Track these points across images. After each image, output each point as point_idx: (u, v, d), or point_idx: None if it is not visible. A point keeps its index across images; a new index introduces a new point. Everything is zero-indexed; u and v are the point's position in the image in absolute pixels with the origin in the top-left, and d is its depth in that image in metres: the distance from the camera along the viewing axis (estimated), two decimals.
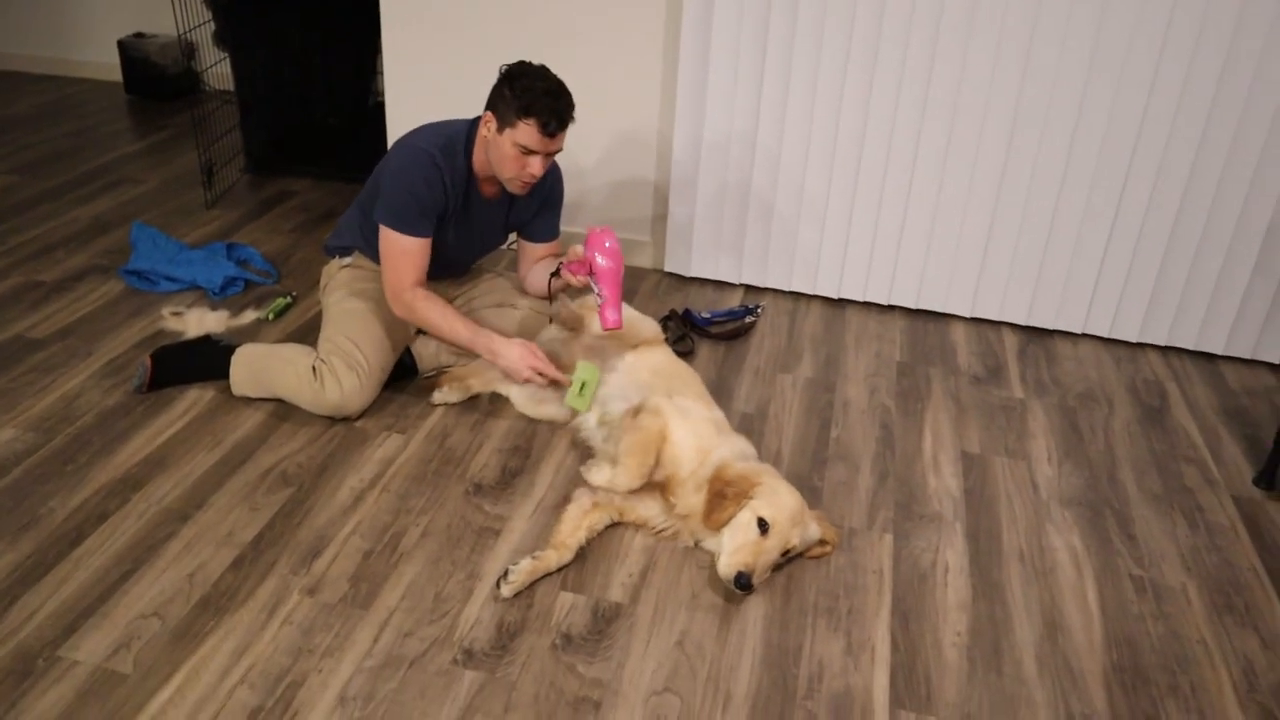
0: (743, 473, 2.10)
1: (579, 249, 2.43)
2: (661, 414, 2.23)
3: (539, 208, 2.64)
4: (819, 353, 3.00)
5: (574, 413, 2.45)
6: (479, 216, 2.57)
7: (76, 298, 3.03)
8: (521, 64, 2.36)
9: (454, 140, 2.42)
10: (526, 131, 2.29)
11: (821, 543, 2.14)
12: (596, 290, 2.36)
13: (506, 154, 2.34)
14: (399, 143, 2.47)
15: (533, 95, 2.28)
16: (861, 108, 3.02)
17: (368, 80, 4.71)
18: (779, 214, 3.23)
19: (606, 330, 2.38)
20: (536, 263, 2.71)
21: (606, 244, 2.34)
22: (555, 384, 2.45)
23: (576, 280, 2.45)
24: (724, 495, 2.07)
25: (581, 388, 2.33)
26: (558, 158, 2.49)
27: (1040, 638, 1.99)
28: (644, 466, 2.17)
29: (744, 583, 1.98)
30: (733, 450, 2.20)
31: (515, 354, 2.41)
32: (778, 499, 2.06)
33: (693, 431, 2.22)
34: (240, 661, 1.81)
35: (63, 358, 2.71)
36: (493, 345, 2.43)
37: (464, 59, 3.26)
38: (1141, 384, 2.93)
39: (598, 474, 2.21)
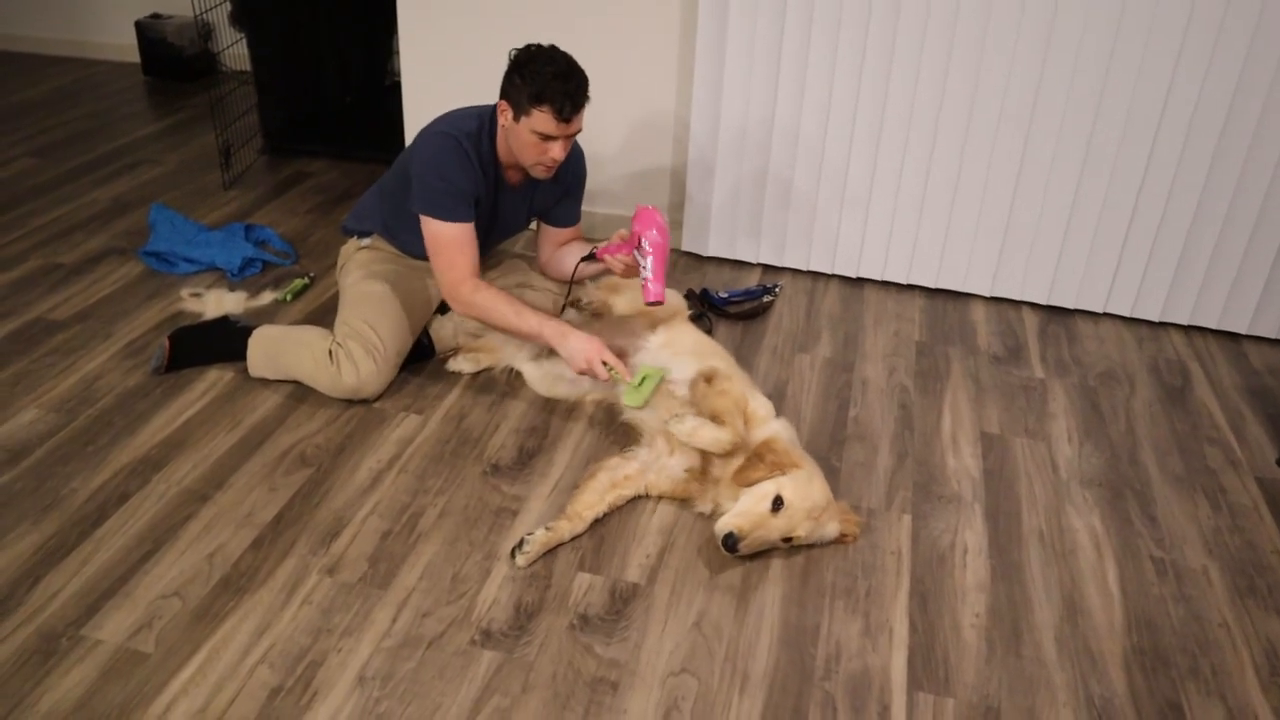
0: (790, 451, 2.12)
1: (624, 231, 2.41)
2: (734, 380, 2.26)
3: (562, 194, 2.63)
4: (837, 332, 2.98)
5: (628, 408, 2.37)
6: (505, 204, 2.56)
7: (96, 279, 3.05)
8: (529, 49, 2.31)
9: (479, 128, 2.40)
10: (541, 119, 2.27)
11: (842, 535, 2.13)
12: (643, 266, 2.35)
13: (526, 141, 2.32)
14: (425, 131, 2.44)
15: (543, 81, 2.24)
16: (881, 85, 2.98)
17: (383, 60, 4.70)
18: (797, 193, 3.20)
19: (648, 304, 2.36)
20: (559, 247, 2.71)
21: (656, 223, 2.33)
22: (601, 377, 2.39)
23: (617, 262, 2.44)
24: (763, 459, 2.08)
25: (641, 381, 2.29)
26: (579, 140, 2.46)
27: (1060, 619, 1.98)
28: (740, 428, 2.16)
29: (730, 544, 1.99)
30: (785, 430, 2.24)
31: (584, 343, 2.34)
32: (806, 488, 2.06)
33: (760, 402, 2.27)
34: (260, 641, 1.82)
35: (83, 339, 2.72)
36: (562, 329, 2.37)
37: (479, 38, 3.24)
38: (1164, 364, 2.90)
39: (703, 432, 2.12)
